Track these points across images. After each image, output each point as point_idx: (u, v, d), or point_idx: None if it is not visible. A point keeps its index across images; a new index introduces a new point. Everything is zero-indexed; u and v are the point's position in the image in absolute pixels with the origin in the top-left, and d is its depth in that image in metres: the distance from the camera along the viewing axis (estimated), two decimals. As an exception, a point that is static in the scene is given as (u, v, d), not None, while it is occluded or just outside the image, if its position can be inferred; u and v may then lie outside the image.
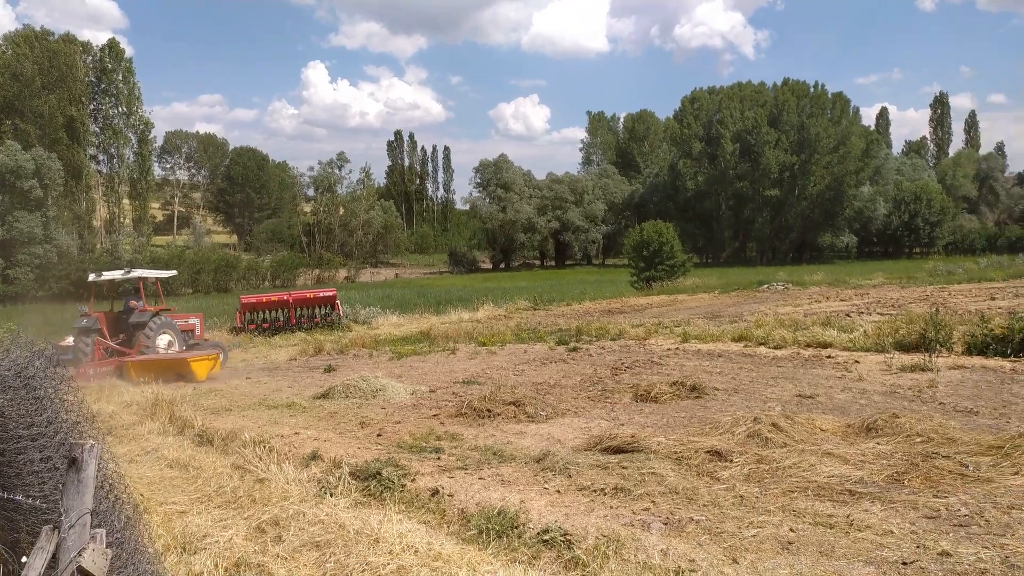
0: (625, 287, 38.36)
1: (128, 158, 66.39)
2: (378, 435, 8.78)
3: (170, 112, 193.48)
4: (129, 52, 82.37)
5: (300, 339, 21.45)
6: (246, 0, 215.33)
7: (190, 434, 9.45)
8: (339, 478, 6.57)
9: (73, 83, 61.54)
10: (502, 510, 5.52)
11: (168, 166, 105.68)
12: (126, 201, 67.86)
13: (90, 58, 65.56)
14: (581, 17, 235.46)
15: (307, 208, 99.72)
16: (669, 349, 14.98)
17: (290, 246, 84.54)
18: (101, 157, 66.37)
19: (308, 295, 26.45)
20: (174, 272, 24.84)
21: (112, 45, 65.93)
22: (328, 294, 26.23)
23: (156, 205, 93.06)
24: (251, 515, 5.85)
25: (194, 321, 19.90)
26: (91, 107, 65.03)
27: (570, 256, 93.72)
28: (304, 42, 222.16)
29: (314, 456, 7.49)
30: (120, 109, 65.68)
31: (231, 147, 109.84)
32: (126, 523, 3.52)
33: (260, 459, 7.33)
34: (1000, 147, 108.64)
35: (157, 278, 20.37)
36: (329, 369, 15.29)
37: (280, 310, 24.98)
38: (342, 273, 75.35)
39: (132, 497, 6.39)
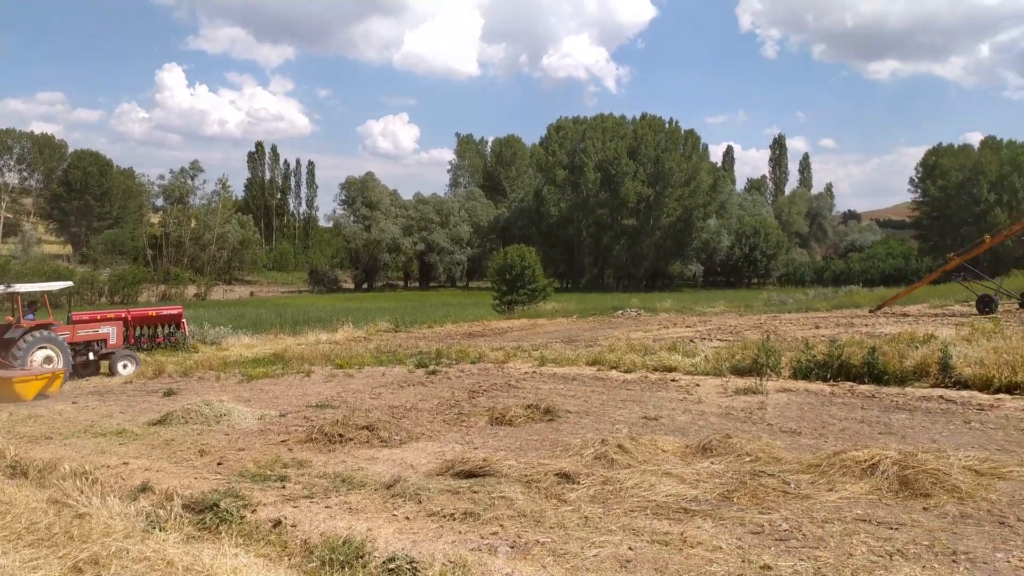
0: (488, 310, 38.73)
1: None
2: (219, 464, 8.30)
3: (2, 109, 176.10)
4: (-48, 40, 74.40)
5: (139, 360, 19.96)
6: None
7: (1, 465, 8.51)
8: (171, 511, 6.12)
9: None
10: (347, 539, 5.36)
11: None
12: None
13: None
14: (453, 39, 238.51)
15: (155, 219, 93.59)
16: (527, 372, 15.24)
17: (133, 259, 78.84)
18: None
19: (150, 312, 24.60)
20: (67, 283, 23.07)
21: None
22: (173, 312, 24.52)
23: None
24: (67, 554, 5.32)
25: (107, 330, 19.35)
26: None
27: (435, 278, 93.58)
28: (160, 43, 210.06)
29: (144, 488, 6.95)
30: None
31: (71, 150, 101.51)
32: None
33: (81, 492, 6.70)
34: (829, 188, 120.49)
35: (43, 291, 19.36)
36: (169, 393, 14.31)
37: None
38: (191, 290, 71.05)
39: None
